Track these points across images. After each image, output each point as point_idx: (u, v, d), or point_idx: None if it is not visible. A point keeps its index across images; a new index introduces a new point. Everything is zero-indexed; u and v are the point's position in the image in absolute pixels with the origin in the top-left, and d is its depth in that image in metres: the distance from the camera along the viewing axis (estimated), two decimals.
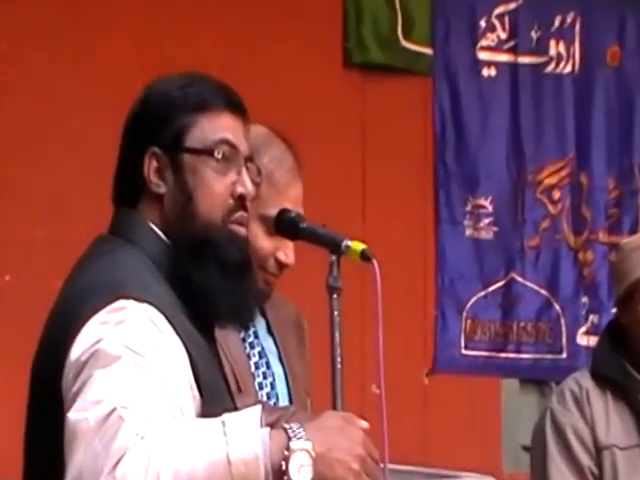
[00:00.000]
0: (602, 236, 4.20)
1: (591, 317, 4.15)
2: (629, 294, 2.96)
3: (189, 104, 1.80)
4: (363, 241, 1.81)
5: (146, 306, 1.68)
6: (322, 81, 3.84)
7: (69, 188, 3.37)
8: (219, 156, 1.79)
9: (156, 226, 1.80)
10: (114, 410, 1.58)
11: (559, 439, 2.89)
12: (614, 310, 3.09)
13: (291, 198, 2.11)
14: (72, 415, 1.61)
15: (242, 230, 1.80)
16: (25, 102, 3.43)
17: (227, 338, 2.01)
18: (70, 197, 3.35)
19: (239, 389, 2.03)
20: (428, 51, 4.03)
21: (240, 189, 1.79)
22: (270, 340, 2.21)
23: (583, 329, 4.15)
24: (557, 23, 4.19)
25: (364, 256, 1.79)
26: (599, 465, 2.86)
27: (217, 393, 1.75)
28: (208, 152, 1.79)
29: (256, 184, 1.84)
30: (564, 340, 4.15)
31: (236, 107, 1.83)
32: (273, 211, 2.04)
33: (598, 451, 2.86)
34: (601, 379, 2.94)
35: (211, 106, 1.80)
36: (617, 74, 4.24)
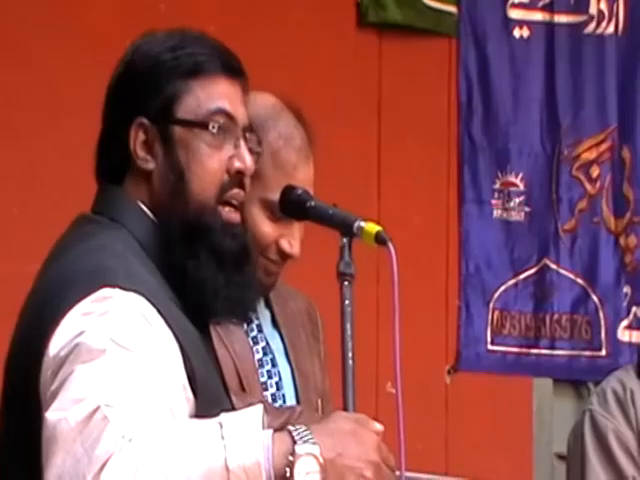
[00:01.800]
0: None
1: (634, 309, 4.16)
2: None
3: (180, 68, 1.80)
4: (378, 222, 1.81)
5: (133, 295, 1.68)
6: (334, 43, 3.85)
7: (48, 162, 3.37)
8: (214, 129, 1.79)
9: (144, 205, 1.80)
10: (97, 409, 1.59)
11: (600, 446, 2.92)
12: None
13: (299, 180, 2.09)
14: (51, 415, 1.62)
15: (236, 215, 1.80)
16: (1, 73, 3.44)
17: (230, 332, 2.01)
18: (49, 172, 3.35)
19: (243, 389, 2.04)
20: (453, 9, 4.03)
21: (237, 164, 1.79)
22: (276, 335, 2.21)
23: (625, 323, 4.16)
24: None
25: (379, 239, 1.79)
26: None
27: (214, 394, 1.76)
28: (202, 125, 1.79)
29: (256, 155, 1.84)
30: (603, 335, 4.16)
31: (234, 71, 1.83)
32: (278, 195, 2.03)
33: None
34: None
35: (205, 70, 1.80)
36: None
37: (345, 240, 1.80)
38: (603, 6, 4.19)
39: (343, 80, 3.85)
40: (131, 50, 1.85)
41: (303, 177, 2.12)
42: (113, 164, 1.83)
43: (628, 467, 2.88)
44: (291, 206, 2.00)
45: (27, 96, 3.43)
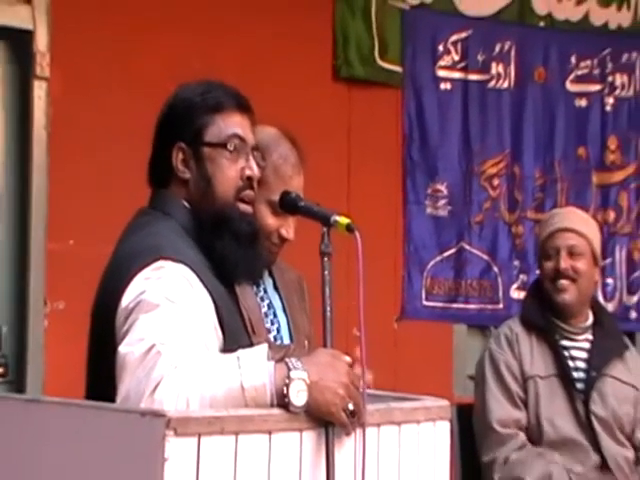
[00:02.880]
0: (530, 214, 4.20)
1: (521, 276, 4.15)
2: (540, 255, 2.99)
3: (207, 106, 1.78)
4: (348, 216, 1.80)
5: (180, 266, 1.67)
6: (316, 91, 3.82)
7: (118, 173, 3.35)
8: (231, 148, 1.78)
9: (185, 202, 1.79)
10: (153, 346, 1.58)
11: (495, 371, 2.90)
12: (538, 271, 3.10)
13: (294, 187, 2.08)
14: (122, 349, 1.61)
15: (249, 208, 1.79)
16: (83, 109, 3.38)
17: (244, 292, 2.00)
18: (118, 179, 3.33)
19: (253, 331, 2.03)
20: (399, 69, 4.01)
21: (248, 172, 1.79)
22: (276, 296, 2.20)
23: (515, 286, 4.16)
24: (497, 49, 4.16)
25: (349, 228, 1.77)
26: (525, 391, 2.86)
27: (236, 333, 1.75)
28: (223, 145, 1.77)
29: (261, 167, 1.84)
30: (501, 294, 4.15)
31: (244, 107, 1.82)
32: (278, 197, 2.01)
33: (524, 380, 2.85)
34: (528, 324, 2.95)
35: (224, 108, 1.79)
36: (542, 89, 4.22)
37: (325, 229, 1.78)
38: (500, 69, 4.18)
39: (323, 118, 3.82)
40: (173, 95, 1.84)
41: (296, 185, 2.10)
42: (161, 175, 1.82)
43: (514, 386, 2.85)
44: (287, 205, 1.99)
45: (103, 127, 3.40)
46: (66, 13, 3.35)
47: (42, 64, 3.30)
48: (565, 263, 2.84)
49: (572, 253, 2.86)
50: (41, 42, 3.31)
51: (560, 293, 2.85)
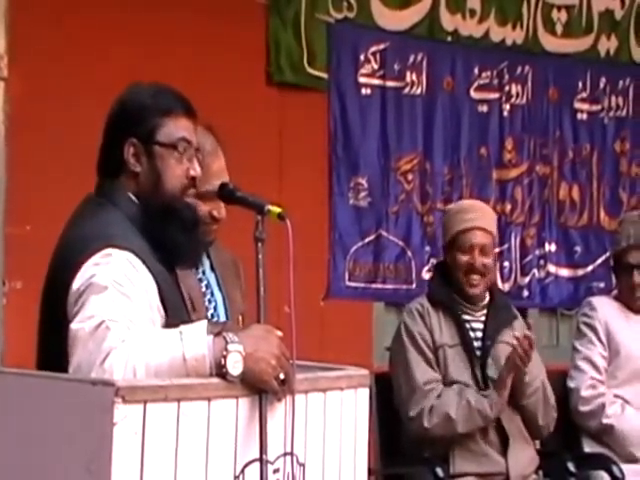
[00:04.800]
0: (439, 205, 4.22)
1: (431, 260, 4.16)
2: (449, 244, 3.04)
3: (159, 109, 1.76)
4: (280, 206, 1.78)
5: (126, 252, 1.65)
6: (251, 95, 3.78)
7: (73, 163, 3.27)
8: (180, 149, 1.76)
9: (132, 194, 1.77)
10: (103, 322, 1.56)
11: (411, 341, 2.95)
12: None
13: (215, 173, 2.04)
14: (74, 325, 1.58)
15: (192, 200, 1.78)
16: (41, 106, 3.29)
17: (185, 273, 1.98)
18: (74, 170, 3.25)
19: (193, 309, 2.00)
20: (325, 75, 3.98)
21: (192, 172, 1.79)
22: (213, 276, 2.17)
23: (426, 268, 4.17)
24: (411, 60, 4.17)
25: (280, 217, 1.76)
26: (437, 357, 2.92)
27: (178, 311, 1.74)
28: (173, 146, 1.76)
29: (202, 167, 1.83)
30: (414, 276, 4.18)
31: (190, 112, 1.80)
32: (204, 187, 1.94)
33: (436, 348, 2.93)
34: (434, 302, 3.01)
35: (175, 111, 1.78)
36: (450, 96, 4.24)
37: (259, 217, 1.77)
38: (414, 77, 4.19)
39: (257, 119, 3.78)
40: (124, 93, 1.81)
41: (217, 169, 2.05)
42: (111, 166, 1.79)
43: (428, 353, 2.92)
44: (226, 195, 1.96)
45: (68, 127, 3.31)
46: (24, 15, 3.26)
47: (0, 65, 3.21)
48: (478, 261, 2.94)
49: (483, 250, 2.95)
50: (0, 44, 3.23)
51: (472, 287, 2.96)
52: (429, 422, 2.83)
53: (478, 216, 3.00)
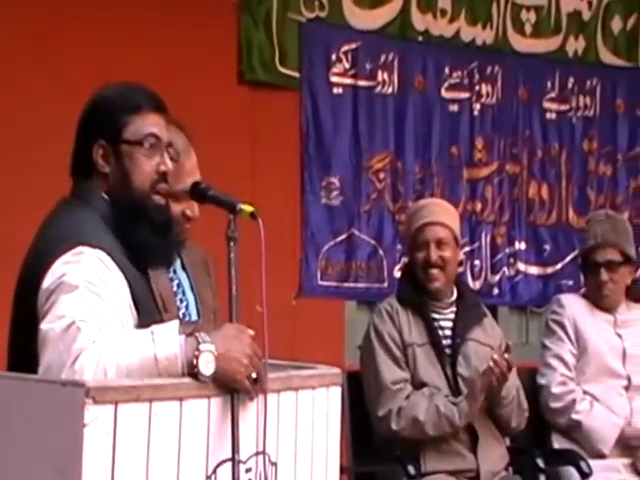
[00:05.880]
0: (410, 204, 4.21)
1: (403, 259, 4.18)
2: (410, 243, 3.07)
3: (127, 107, 1.75)
4: (252, 205, 1.77)
5: (98, 251, 1.63)
6: (223, 93, 3.76)
7: (37, 164, 3.24)
8: (147, 145, 1.75)
9: (104, 193, 1.75)
10: (73, 322, 1.54)
11: (380, 341, 2.96)
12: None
13: (188, 171, 2.03)
14: (44, 326, 1.56)
15: (163, 200, 1.76)
16: (6, 102, 3.25)
17: (156, 273, 1.96)
18: (37, 170, 3.22)
19: (165, 309, 1.99)
20: (297, 74, 3.98)
21: (162, 167, 1.77)
22: (184, 275, 2.16)
23: (398, 267, 4.19)
24: (383, 59, 4.18)
25: (252, 216, 1.75)
26: (406, 357, 2.93)
27: (149, 311, 1.72)
28: (139, 143, 1.74)
29: (175, 161, 1.82)
30: (386, 274, 4.19)
31: (160, 108, 1.79)
32: (177, 187, 1.94)
33: (404, 348, 2.93)
34: (403, 301, 3.03)
35: (143, 108, 1.76)
36: (421, 95, 4.26)
37: (231, 216, 1.76)
38: (386, 76, 4.20)
39: (229, 117, 3.77)
40: (94, 95, 1.80)
41: (189, 168, 2.05)
42: (83, 168, 1.77)
43: (397, 352, 2.92)
44: (198, 194, 1.94)
45: (20, 124, 3.27)
46: None
47: None
48: (434, 254, 2.95)
49: (440, 244, 2.95)
50: None
51: (432, 282, 2.96)
52: (397, 424, 2.85)
53: (432, 211, 3.01)
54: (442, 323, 2.97)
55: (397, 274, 4.17)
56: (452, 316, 2.99)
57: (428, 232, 2.95)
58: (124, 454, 1.44)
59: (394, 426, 2.85)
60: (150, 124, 1.73)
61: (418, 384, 2.90)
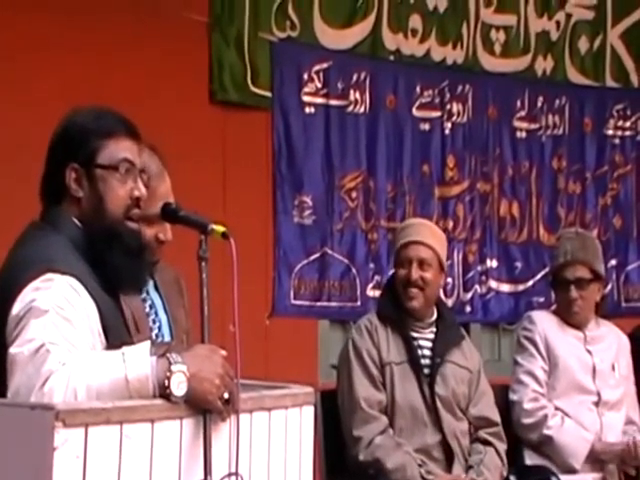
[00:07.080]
0: (383, 223, 4.27)
1: (376, 277, 4.20)
2: (395, 260, 3.08)
3: (100, 132, 1.74)
4: (224, 225, 1.77)
5: (68, 277, 1.62)
6: (194, 113, 3.77)
7: (7, 185, 3.21)
8: (122, 170, 1.74)
9: (75, 219, 1.74)
10: (43, 345, 1.53)
11: (358, 358, 2.96)
12: (391, 272, 3.17)
13: (162, 195, 2.03)
14: (12, 350, 1.55)
15: (136, 225, 1.76)
16: None
17: (130, 296, 1.95)
18: (8, 191, 3.19)
19: (137, 330, 1.98)
20: (268, 94, 4.00)
21: (136, 192, 1.76)
22: (157, 295, 2.16)
23: (371, 285, 4.21)
24: (354, 78, 4.21)
25: (224, 235, 1.75)
26: (383, 375, 2.94)
27: (119, 335, 1.71)
28: (114, 167, 1.74)
29: (147, 187, 1.81)
30: (359, 293, 4.20)
31: (133, 133, 1.79)
32: (150, 211, 1.94)
33: (382, 366, 2.94)
34: (383, 318, 3.03)
35: (116, 133, 1.75)
36: (393, 114, 4.29)
37: (202, 236, 1.76)
38: (357, 95, 4.23)
39: (201, 137, 3.78)
40: (66, 119, 1.79)
41: (164, 191, 2.05)
42: (54, 192, 1.76)
43: (374, 370, 2.92)
44: (169, 215, 1.94)
45: None
46: None
47: None
48: (415, 274, 2.96)
49: (422, 264, 2.96)
50: None
51: (410, 300, 2.97)
52: (364, 456, 2.84)
53: (419, 231, 3.03)
54: (421, 342, 2.96)
55: (370, 292, 4.18)
56: (431, 336, 2.99)
57: (412, 250, 2.96)
58: (95, 477, 1.43)
59: (361, 457, 2.85)
60: (123, 149, 1.73)
61: (391, 403, 2.89)
